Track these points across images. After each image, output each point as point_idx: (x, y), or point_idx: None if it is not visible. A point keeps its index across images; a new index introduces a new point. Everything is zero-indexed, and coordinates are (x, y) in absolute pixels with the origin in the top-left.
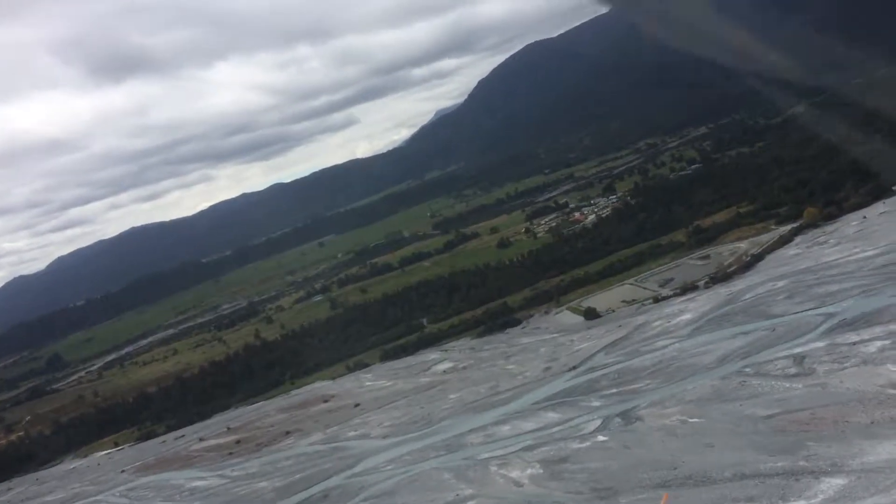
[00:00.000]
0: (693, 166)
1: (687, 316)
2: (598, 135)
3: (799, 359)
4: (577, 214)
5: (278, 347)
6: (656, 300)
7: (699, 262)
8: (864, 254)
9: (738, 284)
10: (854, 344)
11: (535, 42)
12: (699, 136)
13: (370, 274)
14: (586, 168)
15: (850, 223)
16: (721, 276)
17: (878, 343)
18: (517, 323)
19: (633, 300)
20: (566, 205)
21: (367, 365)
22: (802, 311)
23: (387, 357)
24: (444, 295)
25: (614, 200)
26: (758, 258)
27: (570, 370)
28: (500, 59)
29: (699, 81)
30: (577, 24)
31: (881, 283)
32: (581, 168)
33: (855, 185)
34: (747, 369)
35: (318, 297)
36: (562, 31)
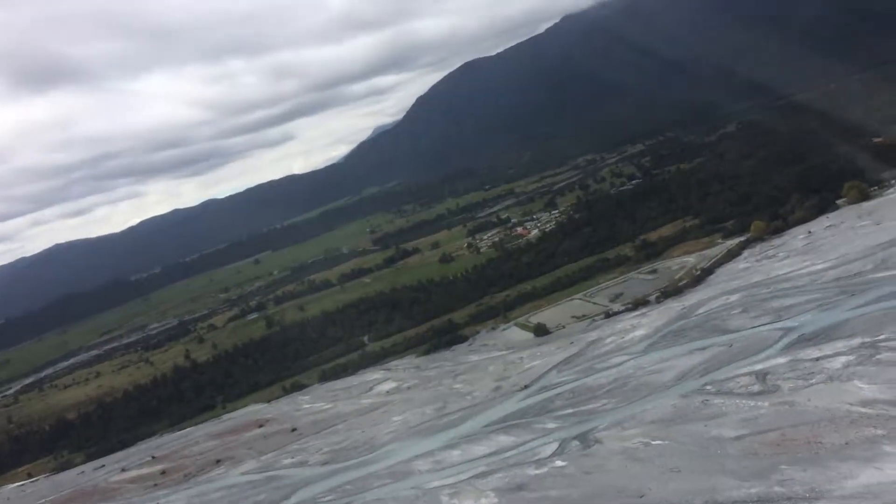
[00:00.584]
0: (633, 181)
1: (640, 332)
2: (537, 151)
3: (761, 375)
4: (520, 229)
5: (209, 369)
6: (607, 315)
7: (648, 277)
8: (814, 267)
9: (691, 299)
10: (817, 360)
11: (474, 60)
12: (636, 152)
13: (308, 291)
14: (526, 184)
15: (797, 237)
16: (672, 291)
17: (842, 359)
18: (464, 340)
19: (584, 315)
20: (508, 220)
21: (305, 386)
22: (759, 326)
23: (326, 377)
24: (385, 312)
25: (557, 215)
26: (708, 272)
27: (521, 389)
28: (438, 76)
29: (636, 100)
30: (514, 43)
31: (836, 296)
32: (521, 184)
33: (800, 199)
34: (708, 387)
35: (254, 315)
36: (499, 50)
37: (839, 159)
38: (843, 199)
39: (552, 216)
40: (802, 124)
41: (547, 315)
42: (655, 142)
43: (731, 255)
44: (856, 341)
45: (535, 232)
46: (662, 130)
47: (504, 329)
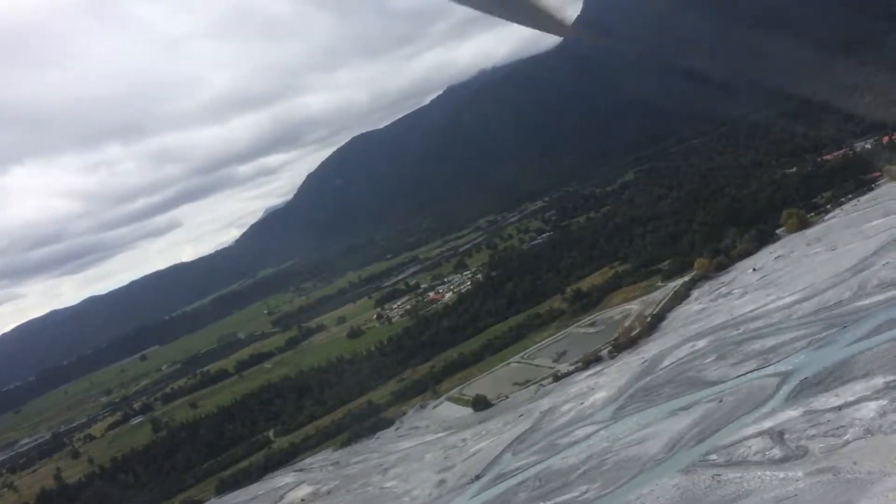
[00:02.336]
0: (544, 235)
1: (602, 394)
2: (436, 217)
3: (777, 435)
4: (432, 294)
5: (83, 490)
6: (556, 378)
7: (590, 330)
8: (782, 301)
9: (650, 349)
10: (839, 409)
11: (363, 134)
12: (538, 209)
13: (201, 384)
14: (429, 249)
15: (746, 271)
16: (625, 342)
17: (872, 405)
18: (389, 423)
19: (528, 381)
20: (418, 286)
21: (199, 502)
22: (746, 374)
23: (225, 488)
24: (292, 399)
25: (470, 275)
26: (659, 318)
27: (473, 481)
28: (328, 151)
29: (527, 160)
30: (403, 115)
31: (824, 331)
32: (424, 250)
33: (739, 232)
34: (713, 457)
35: (138, 419)
36: (388, 123)
37: (767, 188)
38: (783, 228)
39: (465, 277)
40: (706, 163)
41: (484, 384)
42: (555, 197)
43: (680, 297)
44: (878, 381)
45: (449, 295)
46: (559, 186)
47: (435, 406)
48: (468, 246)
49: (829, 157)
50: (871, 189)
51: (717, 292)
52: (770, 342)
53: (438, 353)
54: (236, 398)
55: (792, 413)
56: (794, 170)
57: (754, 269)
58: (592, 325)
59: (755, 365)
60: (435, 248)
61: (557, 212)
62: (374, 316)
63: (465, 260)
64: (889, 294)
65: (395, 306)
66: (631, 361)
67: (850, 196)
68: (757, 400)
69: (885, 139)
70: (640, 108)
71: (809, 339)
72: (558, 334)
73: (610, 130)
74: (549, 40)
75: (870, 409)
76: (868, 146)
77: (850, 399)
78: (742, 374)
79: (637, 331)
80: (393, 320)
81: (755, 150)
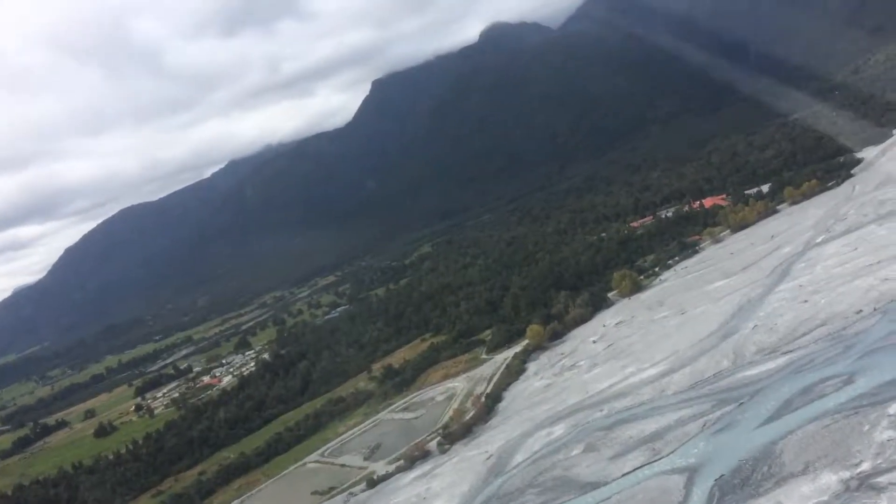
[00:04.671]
0: (339, 308)
1: None
2: (215, 294)
3: None
4: (207, 378)
5: None
6: (371, 483)
7: (407, 415)
8: (645, 373)
9: (492, 439)
10: None
11: (134, 206)
12: (330, 283)
13: None
14: (206, 329)
15: (587, 339)
16: (458, 431)
17: None
18: None
19: (331, 489)
20: (190, 369)
21: None
22: (633, 470)
23: None
24: None
25: (254, 355)
26: (495, 398)
27: None
28: (91, 224)
29: (316, 234)
30: (181, 187)
31: (716, 409)
32: (200, 330)
33: (570, 295)
34: None
35: None
36: (162, 196)
37: (586, 251)
38: (616, 292)
39: (248, 357)
40: (507, 232)
41: (272, 495)
42: (348, 271)
43: (515, 371)
44: (828, 478)
45: (228, 379)
46: (351, 260)
47: None
48: (251, 324)
49: (635, 224)
50: (696, 252)
51: (559, 364)
52: (650, 426)
53: (212, 454)
54: None
55: None
56: (604, 235)
57: (594, 342)
58: (409, 408)
59: (642, 458)
60: (213, 326)
61: (352, 285)
62: (132, 407)
63: (249, 338)
64: (779, 361)
65: (159, 395)
66: (470, 457)
67: (676, 259)
68: None
69: (688, 207)
70: (431, 183)
71: (702, 421)
72: (368, 422)
73: (401, 206)
74: (339, 117)
75: None
76: (671, 213)
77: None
78: (629, 472)
79: (471, 414)
80: (155, 412)
81: (556, 220)
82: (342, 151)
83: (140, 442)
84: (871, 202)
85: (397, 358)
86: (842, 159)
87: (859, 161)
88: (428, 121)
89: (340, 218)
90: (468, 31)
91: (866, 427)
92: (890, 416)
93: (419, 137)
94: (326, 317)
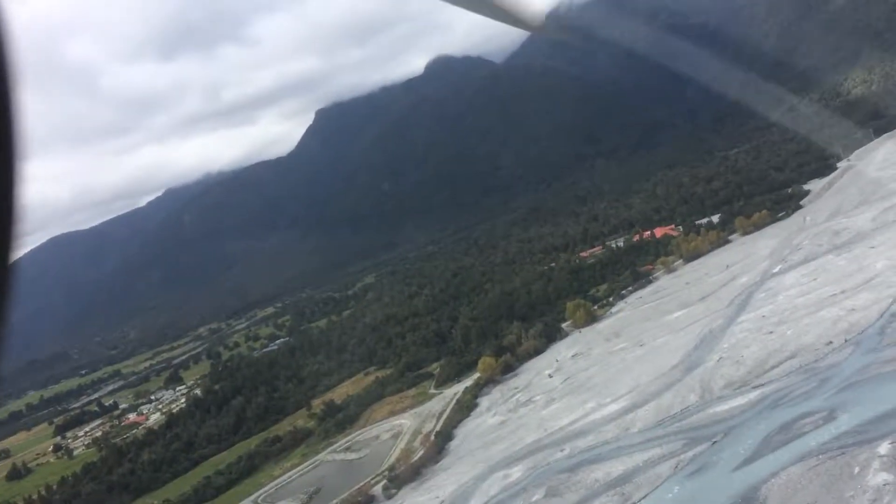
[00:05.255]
0: (278, 341)
1: None
2: (146, 327)
3: None
4: (133, 416)
5: None
6: None
7: (350, 455)
8: (607, 408)
9: (443, 483)
10: None
11: (65, 234)
12: (269, 314)
13: None
14: (136, 363)
15: (542, 372)
16: (406, 473)
17: None
18: None
19: None
20: (115, 406)
21: None
22: None
23: None
24: None
25: (185, 391)
26: (445, 436)
27: None
28: (17, 253)
29: (255, 265)
30: (111, 216)
31: (688, 448)
32: (129, 364)
33: (523, 326)
34: None
35: None
36: (94, 224)
37: (537, 281)
38: (570, 322)
39: (178, 393)
40: (454, 263)
41: None
42: (288, 302)
43: (466, 406)
44: None
45: (156, 416)
46: (292, 291)
47: None
48: (184, 357)
49: (585, 253)
50: (651, 281)
51: (514, 399)
52: (617, 467)
53: (133, 501)
54: None
55: None
56: (554, 265)
57: (550, 375)
58: (352, 448)
59: None
60: (143, 360)
61: (293, 316)
62: (51, 447)
63: (180, 373)
64: (750, 396)
65: (80, 434)
66: (420, 502)
67: (630, 288)
68: None
69: (638, 236)
70: (374, 214)
71: (674, 462)
72: (307, 463)
73: (344, 236)
74: (281, 146)
75: None
76: (621, 243)
77: None
78: None
79: (419, 455)
80: (75, 453)
81: (503, 251)
82: (284, 181)
83: (54, 487)
84: (824, 232)
85: (339, 393)
86: (790, 191)
87: (807, 193)
88: (372, 151)
89: (281, 248)
90: (413, 64)
91: (856, 469)
92: (881, 456)
93: (362, 168)
94: (264, 349)
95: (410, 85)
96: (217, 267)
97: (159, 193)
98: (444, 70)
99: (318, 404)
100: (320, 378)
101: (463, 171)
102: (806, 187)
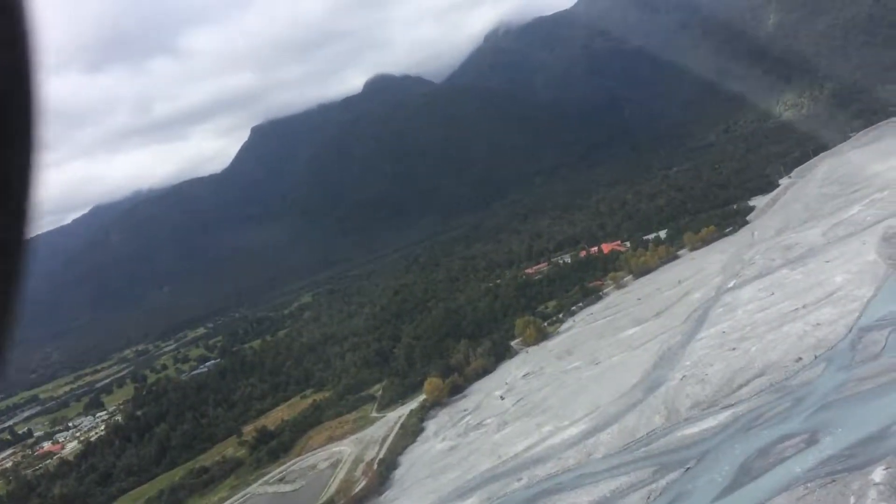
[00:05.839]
0: (209, 362)
1: None
2: (69, 349)
3: None
4: (48, 444)
5: None
6: None
7: (284, 487)
8: (565, 432)
9: None
10: None
11: None
12: (200, 335)
13: None
14: (56, 387)
15: (492, 393)
16: None
17: None
18: None
19: None
20: (30, 434)
21: None
22: None
23: None
24: None
25: (106, 417)
26: (390, 465)
27: None
28: None
29: (186, 285)
30: (38, 233)
31: (659, 476)
32: (49, 388)
33: (471, 344)
34: None
35: None
36: None
37: (483, 297)
38: (519, 340)
39: (98, 420)
40: (394, 281)
41: None
42: (220, 322)
43: (412, 431)
44: None
45: (73, 445)
46: (224, 311)
47: None
48: (108, 381)
49: (531, 270)
50: (601, 297)
51: (464, 423)
52: (582, 498)
53: None
54: None
55: None
56: (500, 281)
57: (502, 396)
58: (286, 479)
59: None
60: (64, 384)
61: (225, 338)
62: None
63: (102, 398)
64: (720, 417)
65: None
66: None
67: (580, 304)
68: None
69: (585, 252)
70: (312, 232)
71: (645, 492)
72: (236, 497)
73: (280, 255)
74: (216, 163)
75: None
76: (567, 259)
77: None
78: None
79: (361, 485)
80: None
81: (446, 268)
82: (218, 199)
83: None
84: (776, 247)
85: (273, 418)
86: (735, 207)
87: (752, 209)
88: (309, 169)
89: (215, 267)
90: (351, 82)
91: (852, 499)
92: (877, 484)
93: (300, 185)
94: (193, 372)
95: (349, 103)
96: (146, 287)
97: (86, 210)
98: (384, 89)
99: (249, 431)
100: (253, 402)
101: (402, 190)
102: (751, 203)
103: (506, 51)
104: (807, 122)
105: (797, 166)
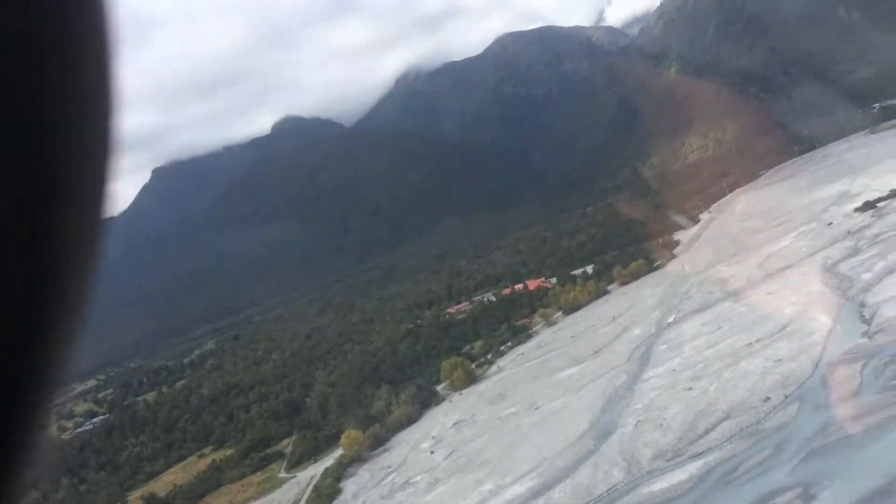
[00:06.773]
0: (96, 419)
1: None
2: None
3: None
4: None
5: None
6: None
7: None
8: (510, 490)
9: None
10: None
11: None
12: (89, 388)
13: None
14: None
15: (419, 446)
16: None
17: None
18: None
19: None
20: None
21: None
22: None
23: None
24: None
25: None
26: None
27: None
28: None
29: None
30: None
31: None
32: None
33: (393, 391)
34: None
35: None
36: None
37: (404, 338)
38: (446, 384)
39: None
40: (305, 325)
41: None
42: (112, 374)
43: (326, 493)
44: None
45: None
46: (117, 362)
47: None
48: None
49: (452, 309)
50: (531, 336)
51: (388, 482)
52: None
53: None
54: None
55: None
56: (420, 322)
57: (431, 450)
58: None
59: None
60: None
61: (116, 389)
62: None
63: None
64: (690, 469)
65: None
66: None
67: (509, 344)
68: None
69: (509, 290)
70: (216, 277)
71: None
72: None
73: (181, 301)
74: (112, 206)
75: None
76: (490, 297)
77: None
78: None
79: None
80: None
81: (361, 310)
82: (114, 242)
83: None
84: (711, 280)
85: (164, 482)
86: (661, 241)
87: (678, 242)
88: (216, 210)
89: (108, 316)
90: (258, 123)
91: None
92: None
93: (204, 228)
94: (77, 430)
95: (256, 144)
96: None
97: None
98: (292, 130)
99: (135, 498)
100: (141, 463)
101: (313, 231)
102: (675, 237)
103: (417, 94)
104: (714, 163)
105: (714, 202)
